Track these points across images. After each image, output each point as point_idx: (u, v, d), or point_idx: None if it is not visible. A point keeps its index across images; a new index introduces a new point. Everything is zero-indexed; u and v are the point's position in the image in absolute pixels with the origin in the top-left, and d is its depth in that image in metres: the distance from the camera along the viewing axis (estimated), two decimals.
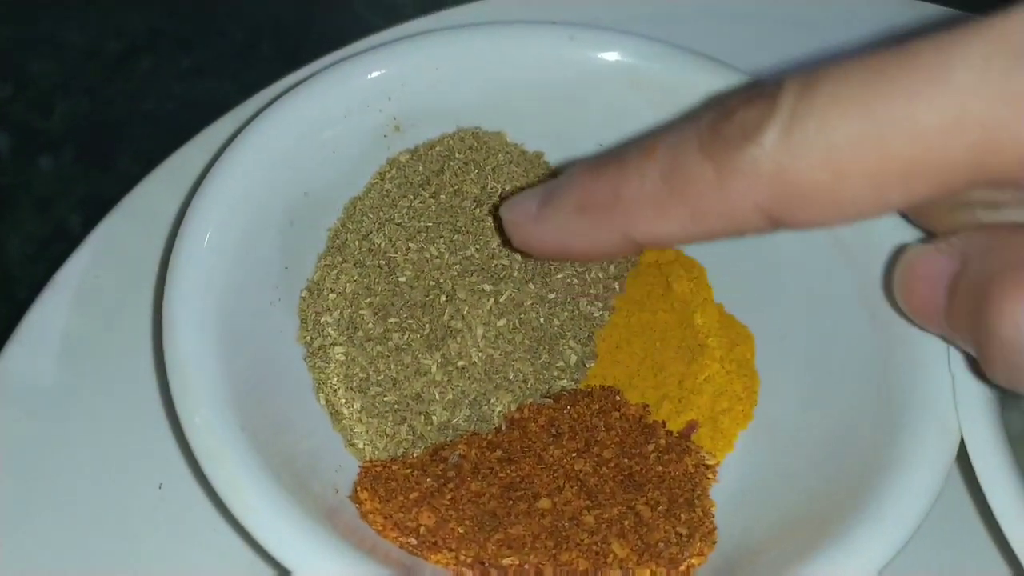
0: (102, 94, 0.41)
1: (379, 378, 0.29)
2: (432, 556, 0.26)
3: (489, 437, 0.29)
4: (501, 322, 0.29)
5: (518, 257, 0.30)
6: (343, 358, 0.29)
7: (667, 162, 0.23)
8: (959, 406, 0.26)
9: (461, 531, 0.27)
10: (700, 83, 0.31)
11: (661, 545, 0.27)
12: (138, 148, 0.39)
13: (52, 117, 0.40)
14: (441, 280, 0.29)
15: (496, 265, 0.30)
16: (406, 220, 0.30)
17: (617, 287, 0.32)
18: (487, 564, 0.26)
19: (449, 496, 0.27)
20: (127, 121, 0.40)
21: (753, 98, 0.22)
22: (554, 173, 0.33)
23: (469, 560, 0.26)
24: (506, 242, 0.27)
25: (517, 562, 0.26)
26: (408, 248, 0.30)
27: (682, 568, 0.27)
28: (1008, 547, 0.24)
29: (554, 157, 0.33)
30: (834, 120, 0.20)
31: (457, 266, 0.30)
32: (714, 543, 0.28)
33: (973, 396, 0.26)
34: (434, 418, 0.29)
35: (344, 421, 0.29)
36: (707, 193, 0.22)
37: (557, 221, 0.25)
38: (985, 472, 0.25)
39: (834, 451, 0.27)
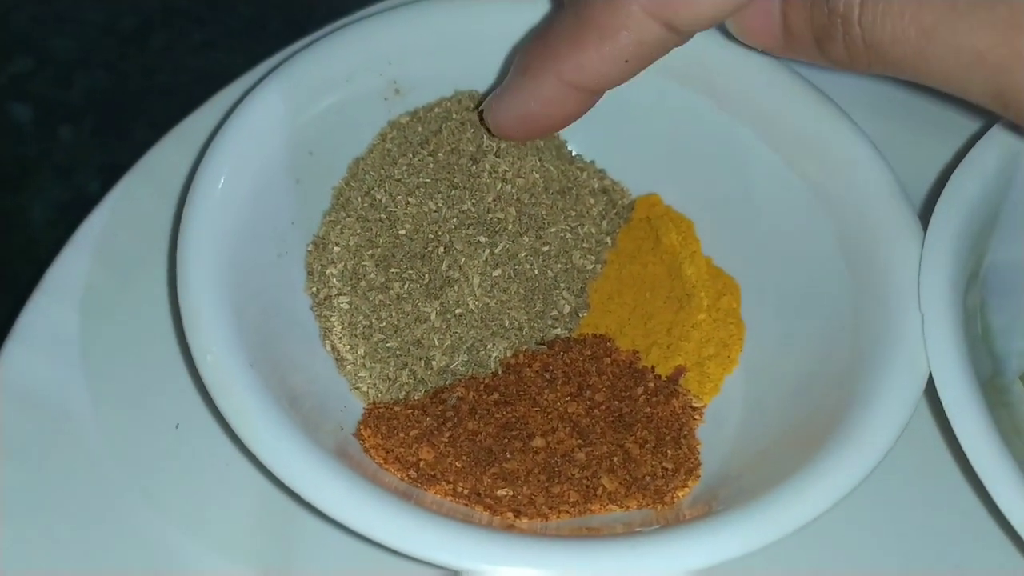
0: (119, 68, 0.42)
1: (381, 325, 0.31)
2: (431, 488, 0.28)
3: (486, 381, 0.30)
4: (496, 272, 0.31)
5: (512, 211, 0.32)
6: (347, 307, 0.31)
7: (574, 1, 0.27)
8: (929, 346, 0.27)
9: (459, 465, 0.28)
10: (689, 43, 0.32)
11: (648, 479, 0.29)
12: (153, 118, 0.41)
13: (72, 90, 0.42)
14: (439, 232, 0.31)
15: (492, 219, 0.31)
16: (405, 176, 0.32)
17: (609, 241, 0.33)
18: (483, 495, 0.28)
19: (448, 434, 0.29)
20: (143, 93, 0.42)
21: None
22: (551, 135, 0.34)
23: (466, 491, 0.28)
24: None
25: (511, 493, 0.28)
26: (408, 203, 0.31)
27: (667, 499, 0.28)
28: (976, 477, 0.26)
29: None
30: None
31: (454, 219, 0.31)
32: (698, 477, 0.29)
33: (943, 336, 0.27)
34: (434, 363, 0.31)
35: (349, 366, 0.31)
36: (604, 11, 0.26)
37: (511, 91, 0.29)
38: (953, 404, 0.26)
39: (812, 388, 0.29)
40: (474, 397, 0.30)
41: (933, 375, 0.27)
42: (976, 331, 0.30)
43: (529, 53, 0.29)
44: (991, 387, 0.30)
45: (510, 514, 0.28)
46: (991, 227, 0.30)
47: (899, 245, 0.29)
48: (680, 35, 0.27)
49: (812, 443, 0.26)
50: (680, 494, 0.28)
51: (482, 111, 0.31)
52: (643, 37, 0.26)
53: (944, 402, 0.26)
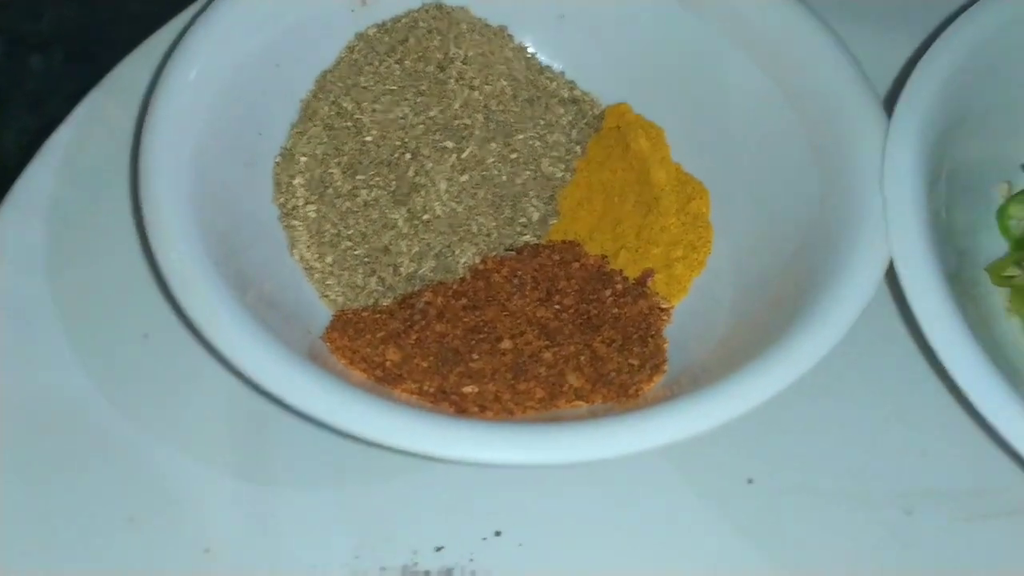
0: None
1: (349, 233, 0.31)
2: (397, 387, 0.28)
3: (455, 287, 0.31)
4: (464, 178, 0.31)
5: (480, 118, 0.32)
6: (314, 215, 0.31)
7: None
8: (891, 227, 0.27)
9: (425, 365, 0.29)
10: None
11: (613, 374, 0.29)
12: (123, 47, 0.41)
13: (42, 21, 0.42)
14: (406, 139, 0.31)
15: (458, 125, 0.31)
16: (372, 84, 0.32)
17: (579, 150, 0.33)
18: (449, 392, 0.28)
19: (415, 336, 0.29)
20: (113, 22, 0.42)
21: None
22: (520, 48, 0.34)
23: (432, 390, 0.28)
24: None
25: (477, 390, 0.28)
26: (374, 110, 0.31)
27: (631, 391, 0.28)
28: (935, 357, 0.26)
29: (516, 31, 0.34)
30: None
31: (421, 126, 0.31)
32: (664, 372, 0.29)
33: (905, 218, 0.27)
34: (402, 269, 0.31)
35: (317, 275, 0.31)
36: None
37: None
38: (913, 283, 0.26)
39: (779, 280, 0.29)
40: (442, 302, 0.30)
41: (893, 254, 0.27)
42: (942, 227, 0.30)
43: None
44: (957, 280, 0.30)
45: (475, 409, 0.28)
46: (955, 124, 0.30)
47: (864, 131, 0.29)
48: None
49: (776, 326, 0.27)
50: (645, 388, 0.29)
51: None
52: None
53: (902, 281, 0.26)
